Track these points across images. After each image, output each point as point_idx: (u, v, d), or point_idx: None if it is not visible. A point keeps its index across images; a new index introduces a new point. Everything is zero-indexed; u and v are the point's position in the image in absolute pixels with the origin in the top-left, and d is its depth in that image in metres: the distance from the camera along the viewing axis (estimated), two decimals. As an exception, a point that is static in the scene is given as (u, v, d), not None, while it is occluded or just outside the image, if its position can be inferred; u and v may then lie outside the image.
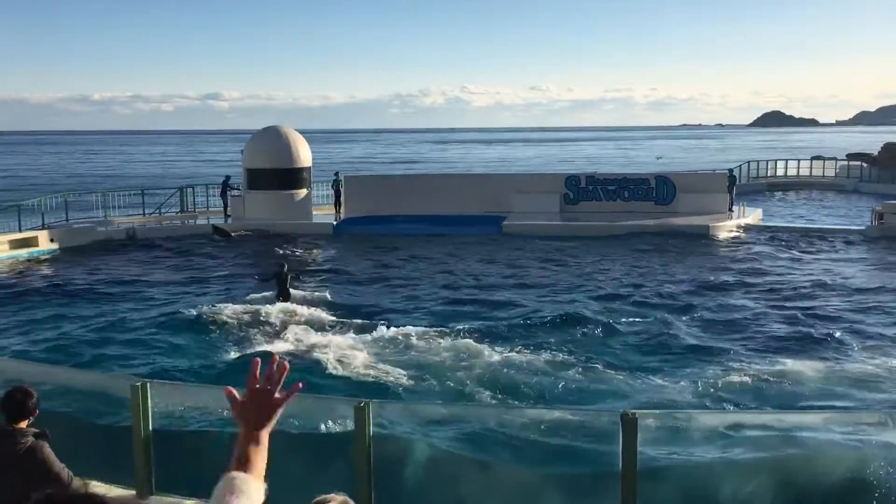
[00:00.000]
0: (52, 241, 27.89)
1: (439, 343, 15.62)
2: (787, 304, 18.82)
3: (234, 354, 15.10)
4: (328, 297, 19.97)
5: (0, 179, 78.82)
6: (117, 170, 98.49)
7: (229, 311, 18.21)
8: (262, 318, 17.59)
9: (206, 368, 14.19)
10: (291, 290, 19.22)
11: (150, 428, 7.29)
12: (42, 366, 10.83)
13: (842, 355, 14.79)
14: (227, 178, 33.79)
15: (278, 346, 15.36)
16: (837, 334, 16.06)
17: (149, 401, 7.25)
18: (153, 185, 45.12)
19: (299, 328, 16.77)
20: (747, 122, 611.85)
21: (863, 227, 29.92)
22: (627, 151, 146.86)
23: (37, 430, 5.47)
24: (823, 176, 52.44)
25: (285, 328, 16.89)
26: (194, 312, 17.97)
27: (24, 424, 5.47)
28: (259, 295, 19.50)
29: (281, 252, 26.06)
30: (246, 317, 17.81)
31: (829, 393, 12.75)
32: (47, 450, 5.43)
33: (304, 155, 33.21)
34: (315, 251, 27.94)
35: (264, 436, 2.53)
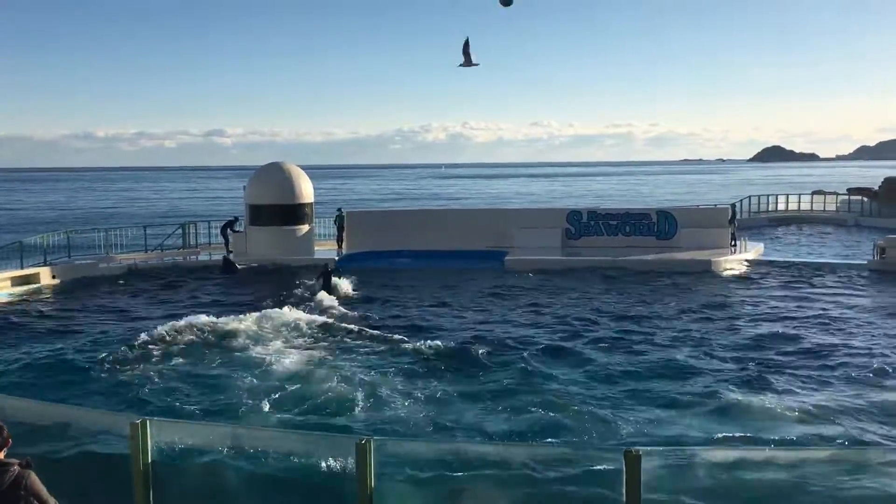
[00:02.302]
0: (53, 277, 27.95)
1: (441, 376, 15.57)
2: (790, 340, 18.72)
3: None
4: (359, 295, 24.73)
5: (3, 216, 79.13)
6: (120, 207, 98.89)
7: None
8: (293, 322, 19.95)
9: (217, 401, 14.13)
10: (333, 283, 24.61)
11: (150, 466, 7.24)
12: (41, 403, 10.76)
13: (846, 390, 14.69)
14: (235, 219, 33.81)
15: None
16: (841, 369, 15.99)
17: (148, 439, 7.20)
18: (155, 222, 45.27)
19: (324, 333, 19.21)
20: (748, 157, 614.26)
21: (865, 262, 29.91)
22: (630, 187, 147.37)
23: (20, 460, 5.45)
24: (824, 210, 52.62)
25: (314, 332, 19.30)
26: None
27: (0, 456, 5.45)
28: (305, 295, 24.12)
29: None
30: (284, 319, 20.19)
31: (833, 428, 12.65)
32: (34, 477, 5.42)
33: (307, 190, 33.37)
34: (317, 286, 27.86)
35: None
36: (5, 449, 5.51)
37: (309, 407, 13.71)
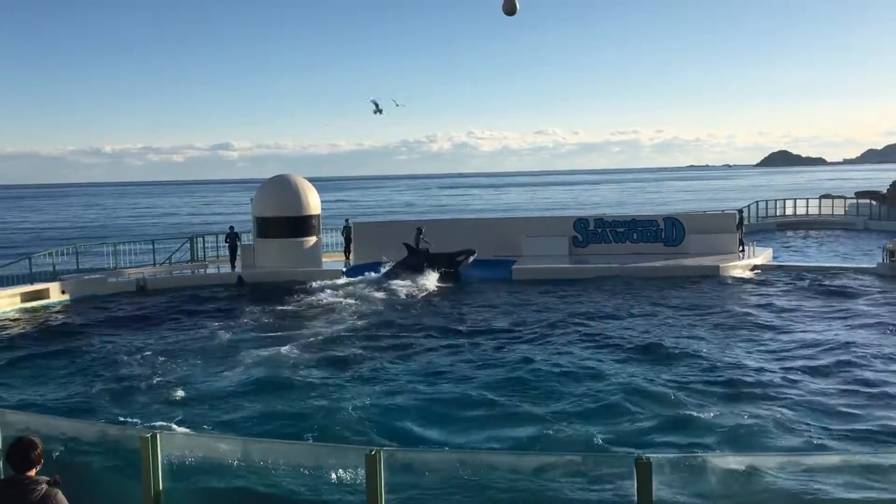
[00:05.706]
0: (63, 292, 28.01)
1: (449, 384, 15.56)
2: (798, 345, 18.64)
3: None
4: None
5: (13, 232, 79.49)
6: (128, 221, 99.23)
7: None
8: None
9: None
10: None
11: (160, 480, 7.23)
12: (51, 418, 10.79)
13: (857, 396, 14.62)
14: (231, 227, 33.84)
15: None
16: (850, 375, 15.92)
17: (159, 452, 7.20)
18: (163, 236, 45.40)
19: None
20: (755, 162, 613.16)
21: (874, 266, 29.78)
22: (635, 193, 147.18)
23: (48, 478, 5.49)
24: (833, 214, 52.45)
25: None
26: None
27: (31, 473, 5.49)
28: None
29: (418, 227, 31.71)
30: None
31: (844, 434, 12.58)
32: (60, 496, 5.45)
33: (314, 202, 33.41)
34: (325, 297, 27.89)
35: None
36: (37, 467, 5.54)
37: (320, 416, 13.73)
